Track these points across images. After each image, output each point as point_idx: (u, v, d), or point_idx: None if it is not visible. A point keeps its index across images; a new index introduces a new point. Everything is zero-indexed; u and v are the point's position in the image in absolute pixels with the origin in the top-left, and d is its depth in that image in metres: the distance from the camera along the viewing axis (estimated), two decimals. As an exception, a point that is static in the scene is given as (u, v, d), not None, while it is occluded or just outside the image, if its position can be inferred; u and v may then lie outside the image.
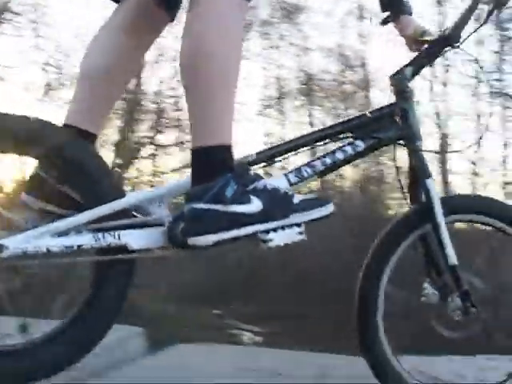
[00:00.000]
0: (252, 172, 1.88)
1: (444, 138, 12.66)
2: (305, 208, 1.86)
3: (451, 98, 14.32)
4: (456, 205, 2.26)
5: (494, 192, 11.81)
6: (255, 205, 1.78)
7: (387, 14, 2.36)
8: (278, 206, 1.82)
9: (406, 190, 2.23)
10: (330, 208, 1.90)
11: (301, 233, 1.85)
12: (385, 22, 2.38)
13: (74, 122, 1.94)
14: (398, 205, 10.19)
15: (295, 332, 7.47)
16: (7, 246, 1.67)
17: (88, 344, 1.85)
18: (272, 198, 1.82)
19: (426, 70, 2.23)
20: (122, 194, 1.82)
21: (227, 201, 1.72)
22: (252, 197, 1.79)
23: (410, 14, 2.34)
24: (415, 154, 2.17)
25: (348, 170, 11.55)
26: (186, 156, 11.00)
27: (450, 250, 2.11)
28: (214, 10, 1.74)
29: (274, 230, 1.81)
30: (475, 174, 12.30)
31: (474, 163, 11.05)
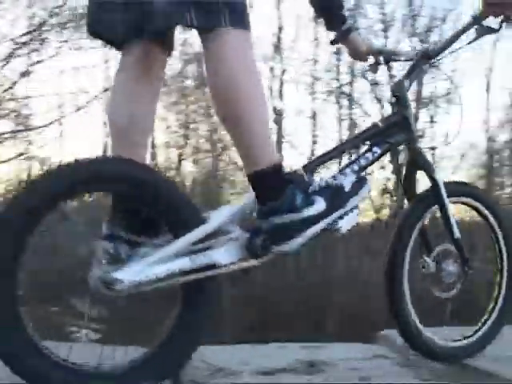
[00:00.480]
0: (305, 177, 2.19)
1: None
2: (355, 192, 2.18)
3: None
4: (452, 189, 2.69)
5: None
6: (320, 203, 2.08)
7: (335, 34, 2.69)
8: (335, 198, 2.12)
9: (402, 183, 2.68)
10: (369, 184, 2.25)
11: (358, 213, 2.21)
12: (335, 42, 2.71)
13: None
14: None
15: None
16: (122, 280, 1.84)
17: (177, 367, 2.07)
18: (329, 193, 2.12)
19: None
20: (203, 219, 2.02)
21: (299, 208, 2.02)
22: (314, 198, 2.08)
23: (355, 29, 2.69)
24: (419, 153, 2.60)
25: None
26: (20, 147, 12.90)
27: (455, 226, 2.61)
28: (230, 50, 1.92)
29: (341, 217, 2.14)
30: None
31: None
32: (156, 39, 2.08)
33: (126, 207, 1.98)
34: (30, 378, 1.76)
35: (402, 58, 2.71)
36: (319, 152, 10.80)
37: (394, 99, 2.59)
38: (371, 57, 2.75)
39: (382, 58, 2.73)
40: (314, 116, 15.15)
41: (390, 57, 2.72)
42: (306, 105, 16.29)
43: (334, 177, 2.29)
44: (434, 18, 14.69)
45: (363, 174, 2.39)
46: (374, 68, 2.78)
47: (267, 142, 2.02)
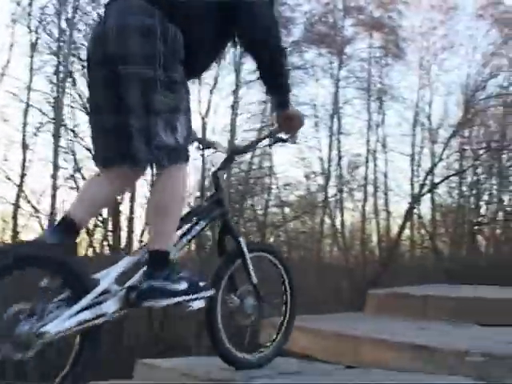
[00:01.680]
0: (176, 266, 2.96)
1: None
2: (205, 289, 3.02)
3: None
4: (252, 247, 3.57)
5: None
6: (183, 285, 2.88)
7: None
8: (193, 287, 2.93)
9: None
10: (211, 291, 3.11)
11: (203, 302, 3.03)
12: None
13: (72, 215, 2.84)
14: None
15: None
16: (49, 331, 2.45)
17: None
18: (189, 282, 2.91)
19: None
20: (96, 282, 2.71)
21: (170, 282, 2.81)
22: (181, 280, 2.87)
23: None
24: (229, 223, 3.48)
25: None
26: None
27: (252, 273, 3.46)
28: (171, 180, 2.81)
29: (193, 299, 2.94)
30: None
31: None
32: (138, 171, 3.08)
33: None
34: None
35: (218, 149, 3.66)
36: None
37: (213, 183, 3.49)
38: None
39: (201, 145, 3.60)
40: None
41: (207, 145, 3.64)
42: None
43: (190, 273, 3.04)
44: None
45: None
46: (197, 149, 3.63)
47: (172, 236, 2.93)
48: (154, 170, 2.89)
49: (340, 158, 24.34)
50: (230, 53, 19.95)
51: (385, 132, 25.22)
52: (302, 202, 25.21)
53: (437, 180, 24.97)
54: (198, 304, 2.97)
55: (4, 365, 2.50)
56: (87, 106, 3.47)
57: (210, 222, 3.36)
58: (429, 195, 25.31)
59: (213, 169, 3.70)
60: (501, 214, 26.06)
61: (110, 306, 2.69)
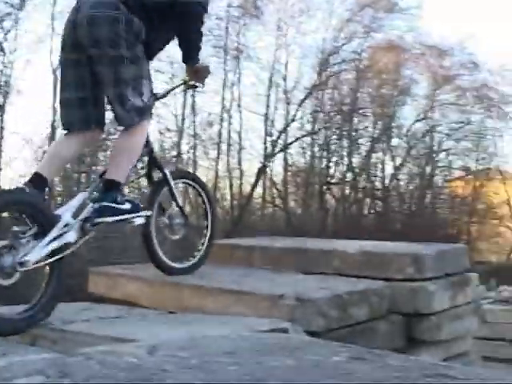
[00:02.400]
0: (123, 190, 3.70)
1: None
2: (144, 209, 3.81)
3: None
4: (176, 175, 4.30)
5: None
6: (128, 205, 3.58)
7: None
8: (135, 207, 3.65)
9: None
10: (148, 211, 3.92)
11: (143, 219, 3.81)
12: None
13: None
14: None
15: None
16: (29, 260, 3.07)
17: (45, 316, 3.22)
18: (132, 204, 3.61)
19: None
20: (58, 217, 3.30)
21: (118, 203, 3.50)
22: (126, 202, 3.57)
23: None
24: (155, 158, 4.25)
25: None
26: None
27: (177, 197, 4.24)
28: (132, 138, 3.59)
29: (136, 217, 3.68)
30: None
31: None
32: (97, 132, 3.76)
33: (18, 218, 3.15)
34: None
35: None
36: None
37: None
38: None
39: None
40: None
41: None
42: None
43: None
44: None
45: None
46: None
47: (127, 170, 3.65)
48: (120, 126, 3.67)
49: (194, 115, 24.33)
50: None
51: (240, 91, 25.41)
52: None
53: (289, 140, 25.44)
54: (139, 221, 3.74)
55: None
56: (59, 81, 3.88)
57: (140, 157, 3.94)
58: (281, 155, 25.76)
59: None
60: (349, 175, 26.92)
61: (72, 236, 3.29)
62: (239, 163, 25.85)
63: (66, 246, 3.26)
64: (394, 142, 29.43)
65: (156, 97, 4.03)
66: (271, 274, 3.99)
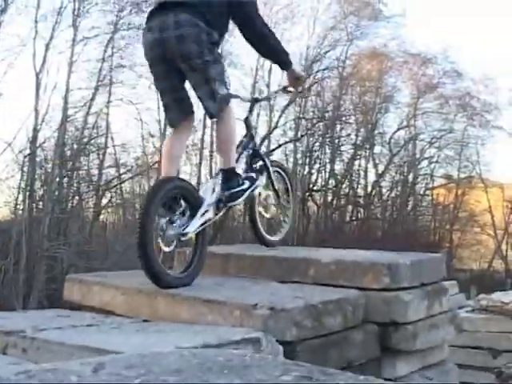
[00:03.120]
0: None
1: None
2: (257, 179, 4.47)
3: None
4: (272, 164, 4.93)
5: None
6: (247, 184, 4.25)
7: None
8: (251, 181, 4.34)
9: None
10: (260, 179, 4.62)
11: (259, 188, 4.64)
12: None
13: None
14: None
15: None
16: (189, 231, 3.83)
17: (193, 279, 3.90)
18: (248, 179, 4.32)
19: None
20: (202, 198, 4.00)
21: (239, 185, 4.16)
22: (244, 181, 4.24)
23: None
24: (258, 150, 4.86)
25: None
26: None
27: (275, 182, 4.90)
28: (226, 123, 4.18)
29: (255, 189, 4.43)
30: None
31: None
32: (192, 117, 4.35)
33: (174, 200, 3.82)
34: None
35: (242, 99, 4.89)
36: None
37: (245, 127, 4.69)
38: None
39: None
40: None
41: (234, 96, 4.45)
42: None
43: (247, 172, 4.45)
44: None
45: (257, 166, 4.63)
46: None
47: (234, 157, 4.26)
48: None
49: (178, 120, 24.28)
50: (68, 7, 19.58)
51: (222, 96, 25.38)
52: (137, 163, 25.04)
53: (272, 147, 25.49)
54: (258, 189, 4.58)
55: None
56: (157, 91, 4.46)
57: (248, 150, 4.58)
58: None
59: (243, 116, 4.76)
60: (332, 181, 27.01)
61: (211, 213, 4.04)
62: (222, 169, 25.84)
63: (208, 220, 4.02)
64: (377, 149, 29.64)
65: (258, 99, 5.14)
66: (246, 282, 3.97)
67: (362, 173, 29.74)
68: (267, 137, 24.90)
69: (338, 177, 27.09)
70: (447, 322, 4.31)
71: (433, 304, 4.09)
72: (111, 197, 24.86)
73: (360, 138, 28.08)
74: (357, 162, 29.19)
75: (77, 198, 22.49)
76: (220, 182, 4.16)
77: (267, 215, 4.87)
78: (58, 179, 20.26)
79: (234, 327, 3.14)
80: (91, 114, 21.44)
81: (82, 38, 20.58)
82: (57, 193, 20.14)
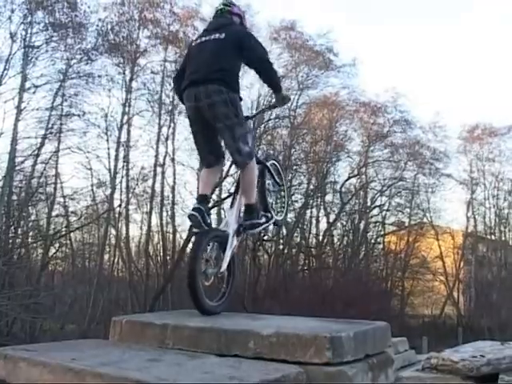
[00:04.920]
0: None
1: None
2: (271, 218, 5.36)
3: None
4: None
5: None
6: (263, 219, 5.11)
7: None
8: (267, 218, 5.20)
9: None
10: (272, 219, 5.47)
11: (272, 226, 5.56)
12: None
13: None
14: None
15: None
16: (223, 267, 4.86)
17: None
18: (264, 216, 5.16)
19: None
20: (227, 232, 4.90)
21: (258, 218, 5.06)
22: (262, 217, 5.11)
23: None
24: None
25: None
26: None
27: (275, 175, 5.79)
28: (250, 172, 5.02)
29: (269, 225, 5.36)
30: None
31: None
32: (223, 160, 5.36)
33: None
34: None
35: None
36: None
37: None
38: None
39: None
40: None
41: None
42: None
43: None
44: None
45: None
46: None
47: (254, 197, 5.08)
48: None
49: (128, 169, 24.12)
50: (17, 55, 19.34)
51: (174, 145, 25.33)
52: (87, 212, 24.68)
53: (224, 195, 25.39)
54: (271, 227, 5.72)
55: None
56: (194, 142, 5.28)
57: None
58: (215, 210, 25.66)
59: None
60: (283, 230, 26.92)
61: (235, 242, 4.99)
62: (172, 218, 25.75)
63: (234, 248, 5.01)
64: (328, 197, 29.69)
65: (249, 117, 5.74)
66: (182, 357, 3.74)
67: (313, 221, 29.79)
68: (219, 185, 24.79)
69: (290, 225, 26.98)
70: (392, 393, 4.15)
71: (378, 376, 3.95)
72: (59, 246, 24.42)
73: (311, 187, 28.12)
74: (308, 211, 29.24)
75: (23, 248, 22.03)
76: (243, 213, 5.15)
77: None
78: (3, 228, 19.84)
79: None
80: (39, 162, 21.11)
81: (30, 86, 20.34)
82: (2, 243, 19.67)
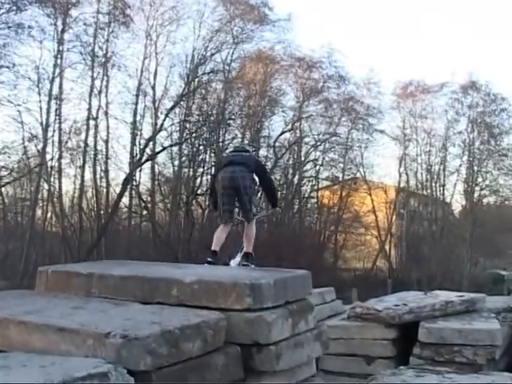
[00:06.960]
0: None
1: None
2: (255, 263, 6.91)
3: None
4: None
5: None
6: (254, 263, 6.66)
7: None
8: (255, 263, 6.73)
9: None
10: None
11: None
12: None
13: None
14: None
15: None
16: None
17: None
18: (254, 262, 6.72)
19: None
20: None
21: (252, 263, 6.64)
22: (254, 262, 6.73)
23: None
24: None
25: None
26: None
27: None
28: (252, 225, 7.00)
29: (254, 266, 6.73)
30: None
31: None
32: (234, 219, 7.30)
33: None
34: None
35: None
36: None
37: None
38: None
39: None
40: None
41: None
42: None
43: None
44: None
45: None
46: None
47: (251, 247, 6.89)
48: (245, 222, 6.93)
49: (60, 122, 23.75)
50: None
51: (107, 99, 25.03)
52: (19, 166, 24.31)
53: (157, 149, 25.29)
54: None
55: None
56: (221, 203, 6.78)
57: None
58: (149, 164, 25.56)
59: None
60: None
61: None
62: (106, 172, 25.53)
63: None
64: (262, 152, 29.79)
65: (255, 214, 7.09)
66: (106, 304, 3.80)
67: (247, 175, 29.87)
68: (152, 139, 24.66)
69: (224, 179, 27.03)
70: (313, 339, 4.27)
71: (298, 322, 4.05)
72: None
73: (245, 141, 28.18)
74: (242, 165, 29.27)
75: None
76: (243, 256, 6.77)
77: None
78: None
79: (87, 357, 3.00)
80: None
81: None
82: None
